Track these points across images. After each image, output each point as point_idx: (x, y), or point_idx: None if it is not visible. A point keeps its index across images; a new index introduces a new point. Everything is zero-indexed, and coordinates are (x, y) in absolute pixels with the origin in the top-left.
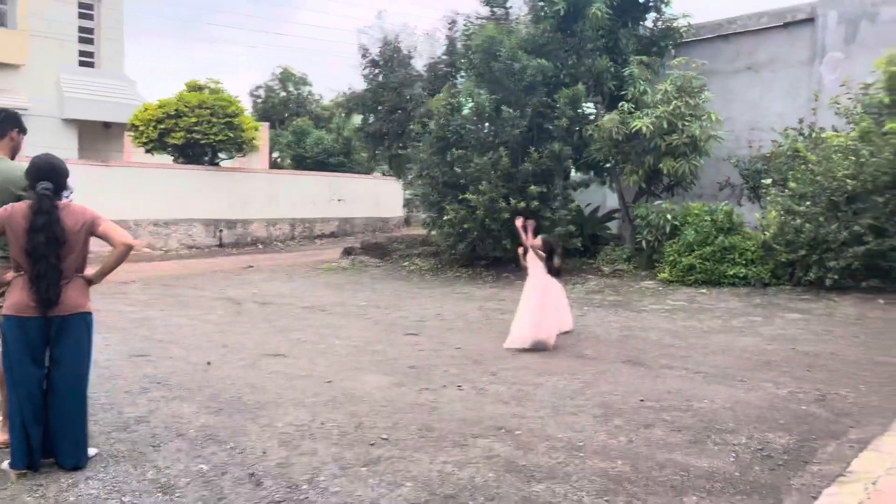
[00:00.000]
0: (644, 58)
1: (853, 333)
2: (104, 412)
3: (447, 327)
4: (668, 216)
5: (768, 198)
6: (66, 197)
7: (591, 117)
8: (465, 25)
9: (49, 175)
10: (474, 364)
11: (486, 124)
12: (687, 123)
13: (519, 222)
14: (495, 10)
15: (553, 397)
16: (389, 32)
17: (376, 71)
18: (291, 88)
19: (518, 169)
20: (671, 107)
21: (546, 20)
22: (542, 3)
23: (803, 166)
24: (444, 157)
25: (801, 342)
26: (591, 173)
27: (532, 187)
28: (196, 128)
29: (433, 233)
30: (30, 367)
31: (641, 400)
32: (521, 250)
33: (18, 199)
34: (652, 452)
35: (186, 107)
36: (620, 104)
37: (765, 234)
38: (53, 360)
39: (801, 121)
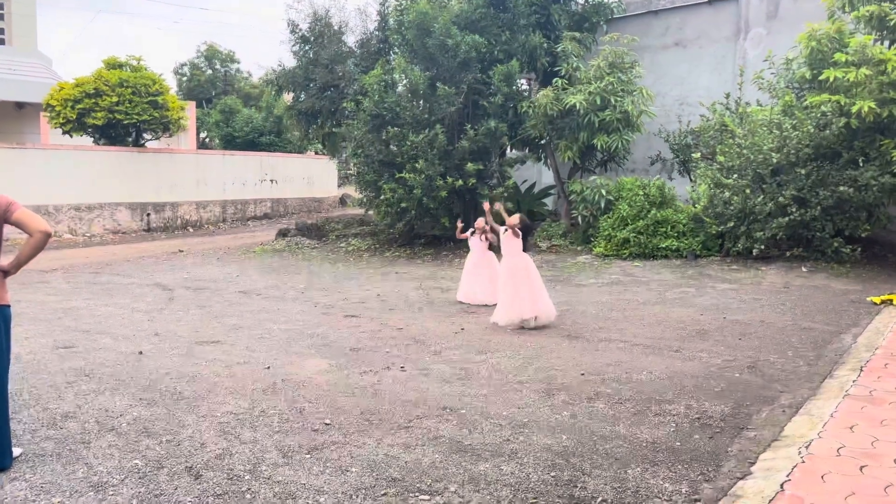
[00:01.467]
0: (577, 34)
1: (780, 301)
2: (28, 409)
3: (388, 308)
4: (603, 191)
5: (698, 171)
6: None
7: (526, 94)
8: (397, 1)
9: None
10: (417, 344)
11: (421, 102)
12: (619, 99)
13: (487, 206)
14: None
15: (496, 374)
16: (320, 7)
17: (307, 47)
18: (218, 66)
19: (455, 147)
20: (604, 83)
21: None
22: None
23: (731, 140)
24: (380, 135)
25: (732, 311)
26: (526, 150)
27: (470, 165)
28: (118, 107)
29: (369, 212)
30: None
31: (582, 374)
32: (479, 226)
33: None
34: (595, 426)
35: (106, 85)
36: (554, 80)
37: (695, 207)
38: None
39: (727, 95)
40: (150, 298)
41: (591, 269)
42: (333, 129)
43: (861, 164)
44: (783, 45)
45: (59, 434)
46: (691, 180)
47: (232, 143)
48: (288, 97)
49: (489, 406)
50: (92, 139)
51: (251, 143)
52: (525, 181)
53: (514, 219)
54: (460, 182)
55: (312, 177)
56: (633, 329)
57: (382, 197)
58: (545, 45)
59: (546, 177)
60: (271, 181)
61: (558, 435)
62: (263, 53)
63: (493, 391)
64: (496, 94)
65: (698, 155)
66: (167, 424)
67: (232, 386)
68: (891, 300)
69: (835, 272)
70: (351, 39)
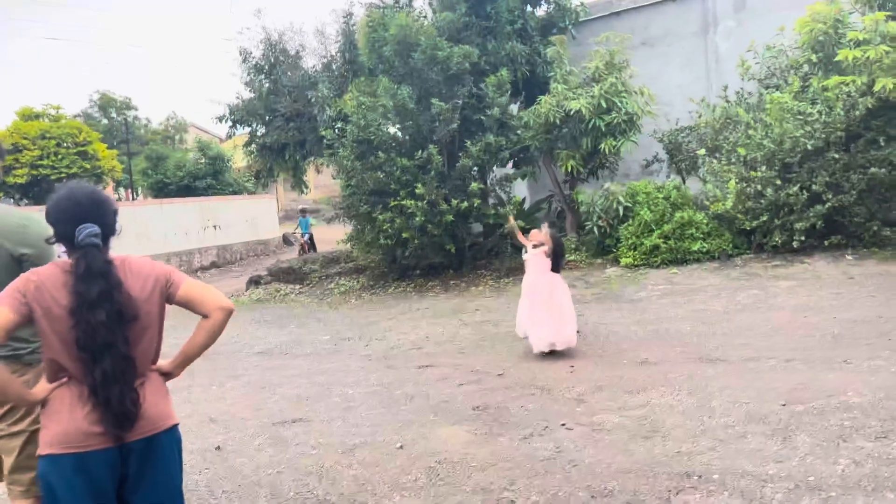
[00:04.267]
0: (561, 37)
1: (867, 293)
2: None
3: (455, 351)
4: (621, 198)
5: (710, 167)
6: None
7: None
8: (368, 17)
9: (93, 213)
10: (544, 392)
11: (410, 122)
12: (624, 100)
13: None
14: None
15: (686, 419)
16: (273, 32)
17: (261, 77)
18: (114, 115)
19: (454, 166)
20: (607, 84)
21: (462, 3)
22: None
23: (752, 132)
24: (368, 162)
25: (830, 310)
26: (510, 164)
27: (474, 184)
28: (42, 162)
29: (352, 246)
30: None
31: (783, 404)
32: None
33: (21, 263)
34: (888, 471)
35: (25, 139)
36: (553, 85)
37: (720, 205)
38: None
39: (725, 88)
40: None
41: (630, 282)
42: (302, 162)
43: (883, 144)
44: (756, 36)
45: None
46: (700, 179)
47: (164, 190)
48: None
49: (732, 462)
50: (12, 200)
51: (187, 188)
52: (513, 197)
53: (542, 235)
54: (465, 204)
55: (256, 218)
56: (757, 343)
57: (381, 228)
58: (524, 52)
59: (536, 191)
60: (214, 227)
61: (851, 490)
62: (162, 96)
63: (710, 441)
64: (491, 106)
65: (703, 151)
66: None
67: (383, 479)
68: None
69: (881, 257)
70: (310, 63)
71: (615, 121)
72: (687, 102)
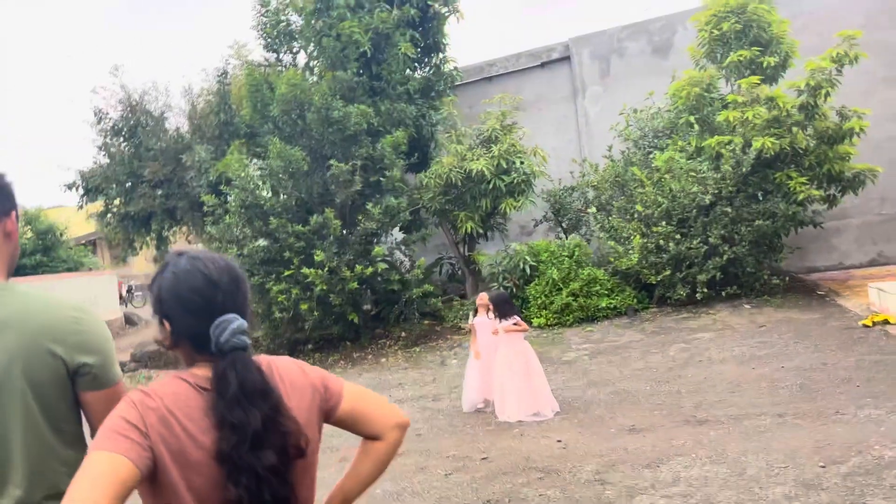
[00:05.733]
0: (452, 98)
1: (791, 340)
2: None
3: (409, 435)
4: (527, 257)
5: (597, 226)
6: None
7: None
8: (249, 75)
9: (232, 298)
10: (553, 475)
11: (303, 185)
12: (521, 160)
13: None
14: (281, 56)
15: (740, 492)
16: (134, 91)
17: (119, 140)
18: None
19: (353, 231)
20: (506, 145)
21: (352, 63)
22: (342, 46)
23: (647, 188)
24: (257, 230)
25: (772, 360)
26: (396, 228)
27: (377, 248)
28: None
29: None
30: None
31: (822, 466)
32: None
33: (76, 377)
34: None
35: None
36: (451, 146)
37: (624, 261)
38: None
39: (609, 148)
40: None
41: (551, 343)
42: (168, 233)
43: (761, 198)
44: (621, 100)
45: None
46: (582, 236)
47: None
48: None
49: None
50: None
51: None
52: (402, 262)
53: (483, 298)
54: (370, 269)
55: (97, 297)
56: (730, 400)
57: (271, 301)
58: (413, 113)
59: (425, 253)
60: None
61: None
62: None
63: None
64: (391, 167)
65: (593, 209)
66: None
67: None
68: (885, 319)
69: (775, 304)
70: (176, 124)
71: (515, 181)
72: (562, 164)
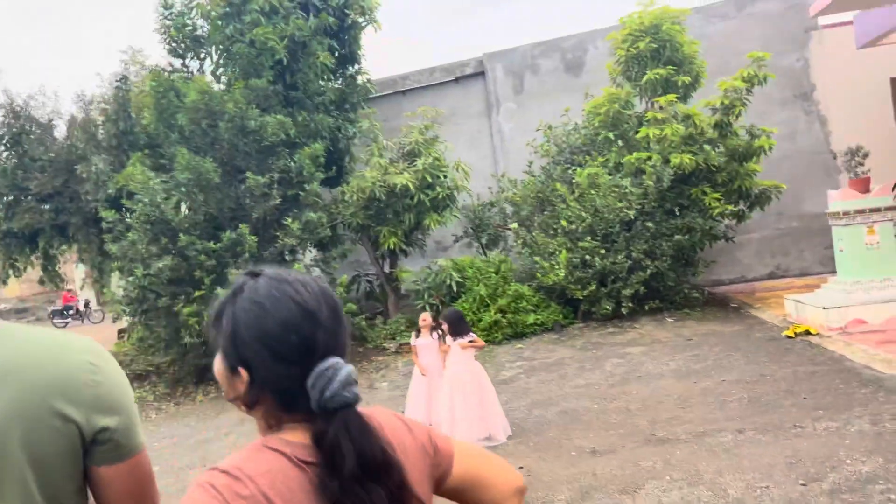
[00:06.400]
0: (373, 110)
1: (724, 353)
2: None
3: None
4: (454, 273)
5: (518, 241)
6: None
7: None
8: (154, 81)
9: (335, 337)
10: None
11: (214, 199)
12: (444, 175)
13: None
14: (187, 62)
15: None
16: (18, 98)
17: (1, 149)
18: None
19: (270, 248)
20: (430, 159)
21: (267, 71)
22: (256, 53)
23: (571, 203)
24: (165, 247)
25: (707, 374)
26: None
27: (297, 265)
28: None
29: (136, 348)
30: None
31: (803, 484)
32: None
33: (94, 445)
34: None
35: None
36: (374, 159)
37: (551, 276)
38: None
39: (530, 163)
40: None
41: (482, 361)
42: (57, 252)
43: (678, 213)
44: (535, 116)
45: None
46: (502, 252)
47: None
48: None
49: None
50: None
51: None
52: (337, 279)
53: (428, 319)
54: None
55: None
56: (684, 416)
57: (180, 325)
58: (331, 125)
59: (341, 271)
60: None
61: None
62: None
63: None
64: (310, 180)
65: (516, 225)
66: None
67: None
68: (807, 330)
69: (696, 317)
70: (63, 133)
71: (440, 195)
72: (477, 179)
